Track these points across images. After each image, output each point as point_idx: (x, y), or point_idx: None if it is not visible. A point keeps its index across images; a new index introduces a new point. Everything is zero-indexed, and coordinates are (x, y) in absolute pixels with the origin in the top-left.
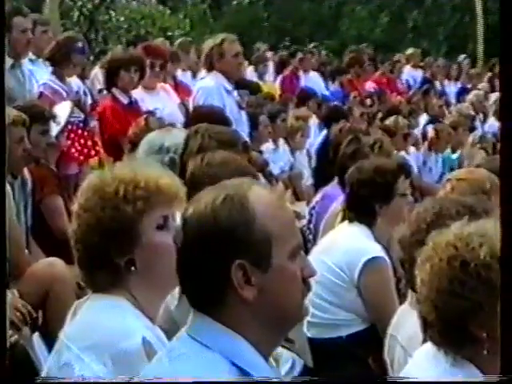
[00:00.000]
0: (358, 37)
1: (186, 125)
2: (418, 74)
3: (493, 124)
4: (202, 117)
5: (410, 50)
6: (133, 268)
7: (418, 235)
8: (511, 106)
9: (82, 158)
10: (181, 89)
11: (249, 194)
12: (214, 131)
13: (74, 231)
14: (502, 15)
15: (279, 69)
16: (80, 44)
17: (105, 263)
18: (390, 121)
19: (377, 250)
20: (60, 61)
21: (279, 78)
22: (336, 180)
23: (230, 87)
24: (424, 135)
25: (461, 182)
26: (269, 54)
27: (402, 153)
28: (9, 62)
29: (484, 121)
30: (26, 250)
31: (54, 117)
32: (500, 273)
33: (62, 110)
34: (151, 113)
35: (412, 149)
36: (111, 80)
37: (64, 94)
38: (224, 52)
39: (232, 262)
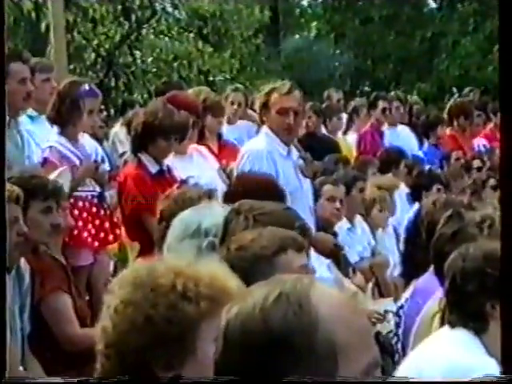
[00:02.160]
0: (462, 78)
1: (226, 197)
2: None
3: None
4: (246, 188)
5: None
6: None
7: None
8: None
9: (96, 244)
10: (226, 150)
11: (311, 292)
12: (261, 211)
13: (106, 331)
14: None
15: (356, 122)
16: (87, 86)
17: (142, 376)
18: None
19: (489, 366)
20: (67, 116)
21: (356, 134)
22: (431, 269)
23: (284, 151)
24: None
25: None
26: (343, 103)
27: None
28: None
29: None
30: (21, 367)
31: (59, 191)
32: (500, 274)
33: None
34: (184, 183)
35: None
36: (141, 144)
37: (75, 159)
38: (269, 106)
39: (284, 379)
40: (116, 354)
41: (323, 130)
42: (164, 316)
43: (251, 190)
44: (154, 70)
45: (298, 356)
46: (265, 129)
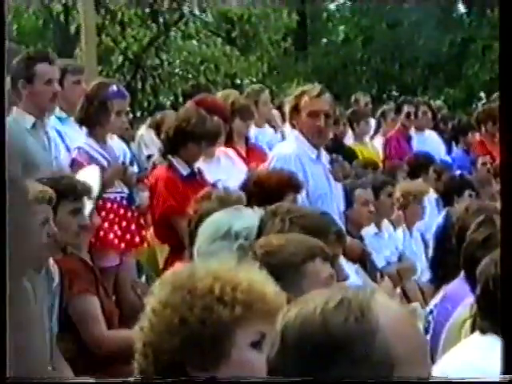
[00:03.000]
0: (493, 83)
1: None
2: None
3: None
4: (264, 185)
5: None
6: None
7: None
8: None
9: (122, 245)
10: (254, 154)
11: (372, 301)
12: (298, 214)
13: (143, 330)
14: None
15: (384, 127)
16: (115, 87)
17: (176, 376)
18: None
19: None
20: (95, 117)
21: (382, 138)
22: (462, 275)
23: (313, 154)
24: None
25: None
26: (370, 107)
27: None
28: (30, 120)
29: None
30: (50, 367)
31: (88, 191)
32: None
33: (89, 179)
34: (214, 186)
35: None
36: (172, 148)
37: (103, 160)
38: (300, 109)
39: (339, 382)
40: (153, 353)
41: (351, 135)
42: (198, 317)
43: (267, 188)
44: (181, 72)
45: (354, 362)
46: (295, 132)
